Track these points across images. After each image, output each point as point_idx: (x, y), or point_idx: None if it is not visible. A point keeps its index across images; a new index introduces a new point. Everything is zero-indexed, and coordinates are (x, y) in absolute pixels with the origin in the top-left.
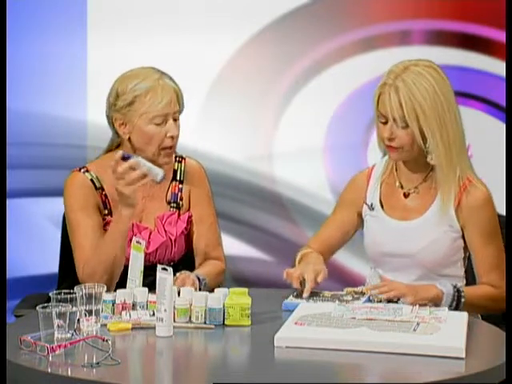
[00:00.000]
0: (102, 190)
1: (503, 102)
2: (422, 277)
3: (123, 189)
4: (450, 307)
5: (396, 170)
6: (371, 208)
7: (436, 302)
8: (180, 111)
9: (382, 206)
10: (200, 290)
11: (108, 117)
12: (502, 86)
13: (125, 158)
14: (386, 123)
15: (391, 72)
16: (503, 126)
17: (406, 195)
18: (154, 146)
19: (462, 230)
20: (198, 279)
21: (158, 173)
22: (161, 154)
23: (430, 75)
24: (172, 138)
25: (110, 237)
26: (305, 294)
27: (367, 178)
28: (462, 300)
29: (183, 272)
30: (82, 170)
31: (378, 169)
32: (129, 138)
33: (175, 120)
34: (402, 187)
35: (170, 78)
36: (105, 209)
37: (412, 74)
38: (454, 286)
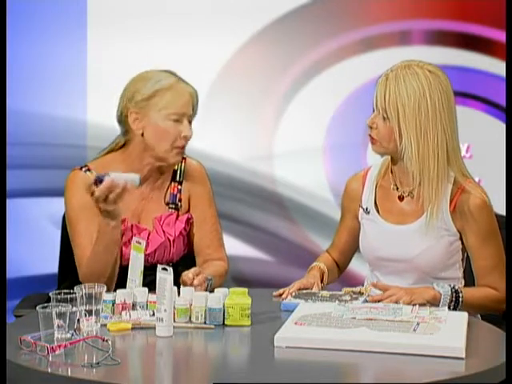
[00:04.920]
0: None
1: (503, 102)
2: (419, 280)
3: (108, 207)
4: (449, 308)
5: (391, 172)
6: (367, 212)
7: (433, 304)
8: (193, 115)
9: (377, 210)
10: (207, 290)
11: (121, 114)
12: (502, 86)
13: (99, 181)
14: (373, 110)
15: (394, 65)
16: (503, 126)
17: (400, 198)
18: (167, 143)
19: (459, 232)
20: (206, 279)
21: (134, 179)
22: (172, 152)
23: (427, 79)
24: (185, 138)
25: (102, 245)
26: (284, 295)
27: (362, 181)
28: (461, 300)
29: (196, 268)
30: (84, 169)
31: (374, 171)
32: (142, 134)
33: (189, 122)
34: (397, 189)
35: (187, 83)
36: None
37: (408, 72)
38: (452, 287)
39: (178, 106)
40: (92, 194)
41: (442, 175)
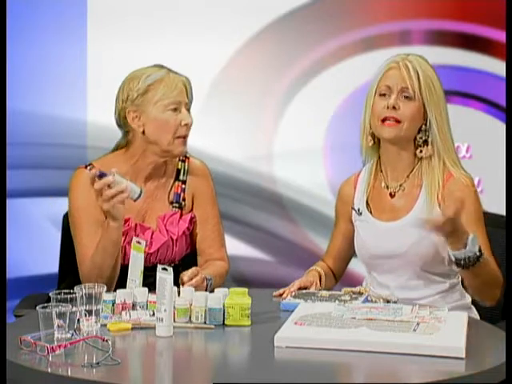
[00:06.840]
0: None
1: (503, 102)
2: (413, 276)
3: (102, 204)
4: (464, 261)
5: (381, 171)
6: (359, 213)
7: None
8: (190, 102)
9: (370, 211)
10: (207, 290)
11: (119, 116)
12: (502, 86)
13: (100, 176)
14: (384, 95)
15: (391, 58)
16: (503, 126)
17: (392, 195)
18: (169, 134)
19: None
20: (206, 279)
21: (135, 191)
22: (175, 143)
23: (429, 64)
24: (186, 125)
25: (100, 245)
26: (284, 295)
27: (354, 184)
28: (481, 260)
29: (194, 268)
30: (88, 167)
31: (364, 174)
32: (143, 132)
33: (188, 110)
34: (387, 187)
35: (177, 72)
36: None
37: (413, 59)
38: (480, 251)
39: (174, 95)
40: (92, 184)
41: (448, 155)
